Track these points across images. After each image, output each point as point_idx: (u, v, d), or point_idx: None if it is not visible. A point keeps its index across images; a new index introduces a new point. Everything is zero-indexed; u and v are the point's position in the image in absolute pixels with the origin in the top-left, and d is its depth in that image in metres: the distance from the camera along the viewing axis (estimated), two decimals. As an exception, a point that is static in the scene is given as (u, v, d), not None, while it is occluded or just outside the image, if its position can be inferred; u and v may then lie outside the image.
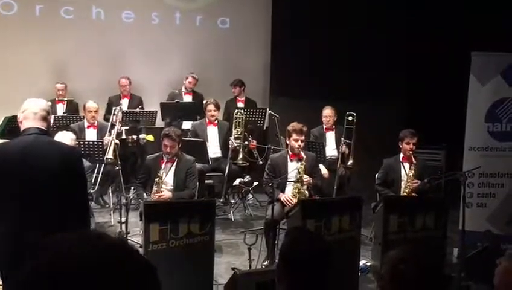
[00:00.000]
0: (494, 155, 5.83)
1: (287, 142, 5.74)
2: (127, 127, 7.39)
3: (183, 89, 8.14)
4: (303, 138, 5.57)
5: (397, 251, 2.04)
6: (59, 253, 0.85)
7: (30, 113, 3.22)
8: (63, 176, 3.12)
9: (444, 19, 7.83)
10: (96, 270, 0.83)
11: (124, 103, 7.96)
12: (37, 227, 2.92)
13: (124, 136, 7.19)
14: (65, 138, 5.10)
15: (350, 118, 6.93)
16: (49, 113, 3.34)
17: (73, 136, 5.75)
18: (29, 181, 3.08)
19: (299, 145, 5.53)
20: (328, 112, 7.16)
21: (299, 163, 5.52)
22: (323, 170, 6.57)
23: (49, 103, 3.36)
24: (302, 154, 5.55)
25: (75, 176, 3.21)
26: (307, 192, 5.48)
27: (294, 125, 5.60)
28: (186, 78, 8.12)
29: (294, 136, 5.53)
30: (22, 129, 3.24)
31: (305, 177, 5.45)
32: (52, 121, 3.53)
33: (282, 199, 5.41)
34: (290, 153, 5.62)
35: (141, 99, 8.19)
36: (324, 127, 7.18)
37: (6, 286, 3.29)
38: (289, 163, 5.59)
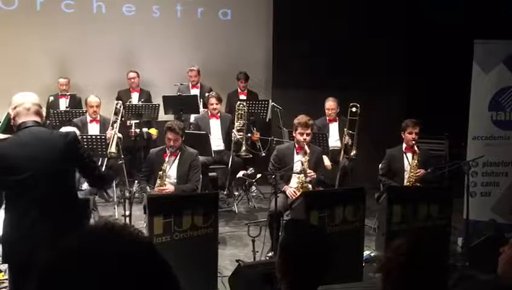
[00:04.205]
0: (498, 144, 5.81)
1: (293, 134, 5.67)
2: (137, 121, 7.38)
3: (189, 83, 8.12)
4: (309, 131, 5.46)
5: (401, 240, 2.03)
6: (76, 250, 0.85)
7: (23, 110, 3.22)
8: (66, 160, 3.21)
9: (446, 6, 7.77)
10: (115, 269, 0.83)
11: (134, 97, 7.97)
12: (52, 211, 3.12)
13: (133, 129, 7.20)
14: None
15: (354, 109, 6.91)
16: (41, 106, 3.36)
17: (76, 131, 5.76)
18: (37, 171, 3.14)
19: (305, 139, 5.44)
20: (330, 104, 7.14)
21: (304, 157, 5.45)
22: (326, 162, 6.56)
23: (37, 97, 3.37)
24: (306, 148, 5.46)
25: (78, 157, 3.31)
26: (310, 186, 5.42)
27: (300, 118, 5.51)
28: (187, 72, 8.10)
29: (299, 129, 5.46)
30: (17, 124, 3.26)
31: (309, 172, 5.40)
32: (44, 114, 3.59)
33: (287, 193, 5.38)
34: (297, 145, 5.58)
35: (149, 93, 8.17)
36: (327, 118, 7.17)
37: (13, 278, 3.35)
38: (295, 155, 5.56)
